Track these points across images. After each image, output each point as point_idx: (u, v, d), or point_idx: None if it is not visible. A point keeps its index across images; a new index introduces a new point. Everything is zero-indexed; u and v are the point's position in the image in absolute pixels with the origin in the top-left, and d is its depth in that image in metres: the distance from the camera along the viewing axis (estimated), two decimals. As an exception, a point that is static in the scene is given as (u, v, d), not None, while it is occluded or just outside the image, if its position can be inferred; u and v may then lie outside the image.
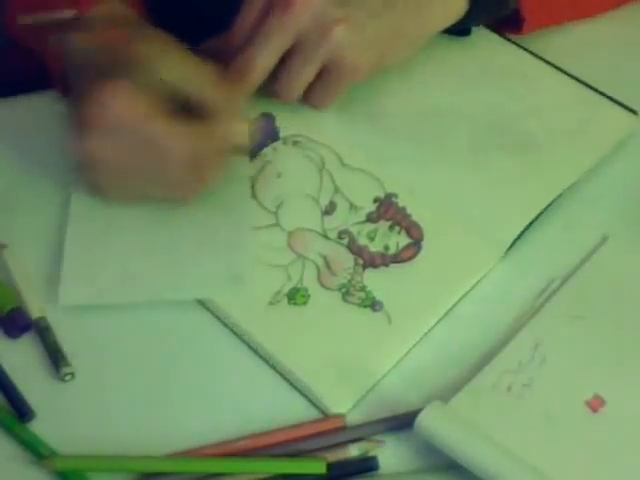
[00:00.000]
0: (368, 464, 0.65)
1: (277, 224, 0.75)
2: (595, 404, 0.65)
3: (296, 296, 0.71)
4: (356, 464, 0.65)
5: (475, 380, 0.67)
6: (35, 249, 0.74)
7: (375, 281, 0.72)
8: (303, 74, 0.76)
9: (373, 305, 0.71)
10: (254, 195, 0.76)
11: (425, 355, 0.69)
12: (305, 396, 0.68)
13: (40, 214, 0.76)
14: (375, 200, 0.75)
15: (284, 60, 0.75)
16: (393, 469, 0.65)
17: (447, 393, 0.67)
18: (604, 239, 0.74)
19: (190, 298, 0.72)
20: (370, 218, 0.74)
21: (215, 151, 0.72)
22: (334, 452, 0.65)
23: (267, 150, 0.78)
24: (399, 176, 0.76)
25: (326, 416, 0.67)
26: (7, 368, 0.69)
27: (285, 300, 0.71)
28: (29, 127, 0.81)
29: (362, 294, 0.71)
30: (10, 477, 0.66)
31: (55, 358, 0.69)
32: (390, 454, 0.66)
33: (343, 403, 0.67)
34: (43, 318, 0.71)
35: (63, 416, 0.68)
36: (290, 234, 0.74)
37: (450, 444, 0.63)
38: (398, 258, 0.73)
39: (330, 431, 0.66)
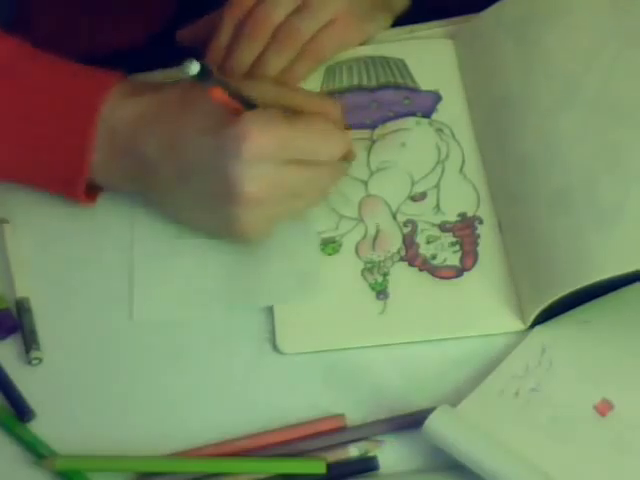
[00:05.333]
0: (368, 464, 0.65)
1: (366, 182, 0.76)
2: (603, 408, 0.65)
3: (328, 245, 0.73)
4: (356, 464, 0.65)
5: (483, 385, 0.66)
6: (37, 230, 0.75)
7: (399, 276, 0.72)
8: None
9: (380, 292, 0.71)
10: (370, 149, 0.78)
11: (426, 355, 0.69)
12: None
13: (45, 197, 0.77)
14: (460, 214, 0.74)
15: None
16: (393, 469, 0.65)
17: (449, 394, 0.67)
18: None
19: (261, 305, 0.72)
20: (443, 227, 0.74)
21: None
22: (334, 452, 0.65)
23: (411, 120, 0.79)
24: (502, 209, 0.74)
25: (326, 416, 0.67)
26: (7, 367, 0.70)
27: (318, 241, 0.74)
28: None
29: (380, 278, 0.72)
30: (10, 477, 0.66)
31: (27, 341, 0.70)
32: (390, 454, 0.65)
33: (292, 345, 0.69)
34: (26, 299, 0.72)
35: (63, 416, 0.68)
36: (368, 196, 0.76)
37: (459, 448, 0.63)
38: (435, 271, 0.72)
39: (330, 431, 0.66)
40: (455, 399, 0.66)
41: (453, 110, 0.80)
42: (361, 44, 0.83)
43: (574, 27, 0.77)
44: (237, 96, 0.68)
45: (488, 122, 0.78)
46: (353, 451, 0.65)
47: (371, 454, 0.65)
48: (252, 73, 0.78)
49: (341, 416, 0.67)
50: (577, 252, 0.68)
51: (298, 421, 0.67)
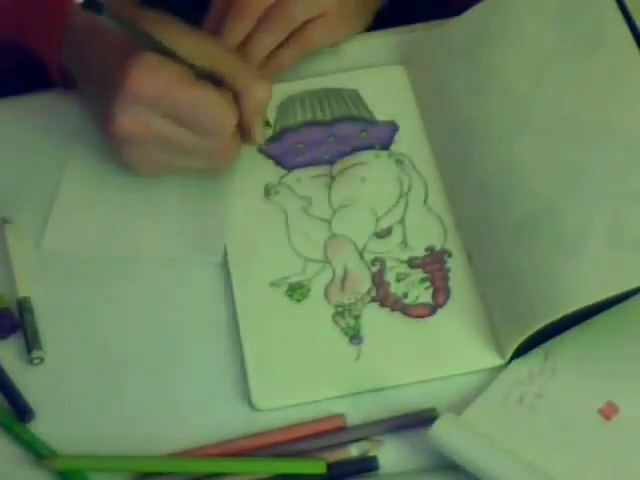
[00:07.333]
0: (368, 464, 0.65)
1: (329, 221, 0.74)
2: (608, 412, 0.65)
3: (296, 291, 0.71)
4: (356, 464, 0.65)
5: (487, 391, 0.66)
6: (38, 230, 0.75)
7: (372, 317, 0.70)
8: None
9: (354, 337, 0.69)
10: (330, 186, 0.76)
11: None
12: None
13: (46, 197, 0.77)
14: (427, 249, 0.73)
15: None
16: (393, 469, 0.65)
17: (449, 393, 0.67)
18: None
19: (165, 257, 0.73)
20: (412, 263, 0.72)
21: (250, 118, 0.72)
22: (334, 452, 0.65)
23: (369, 153, 0.77)
24: (470, 240, 0.72)
25: (326, 416, 0.67)
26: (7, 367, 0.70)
27: (285, 288, 0.71)
28: (29, 127, 0.81)
29: (352, 322, 0.70)
30: (10, 477, 0.66)
31: (29, 340, 0.70)
32: (390, 454, 0.66)
33: (267, 400, 0.67)
34: (27, 298, 0.72)
35: (63, 416, 0.68)
36: (332, 236, 0.74)
37: (465, 455, 0.63)
38: (408, 311, 0.70)
39: (330, 431, 0.67)
40: (457, 402, 0.66)
41: (411, 139, 0.78)
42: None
43: (522, 44, 0.75)
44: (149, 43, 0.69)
45: (447, 150, 0.76)
46: (353, 451, 0.65)
47: (371, 454, 0.66)
48: (241, 50, 0.77)
49: (341, 416, 0.67)
50: (546, 282, 0.66)
51: (298, 421, 0.67)
